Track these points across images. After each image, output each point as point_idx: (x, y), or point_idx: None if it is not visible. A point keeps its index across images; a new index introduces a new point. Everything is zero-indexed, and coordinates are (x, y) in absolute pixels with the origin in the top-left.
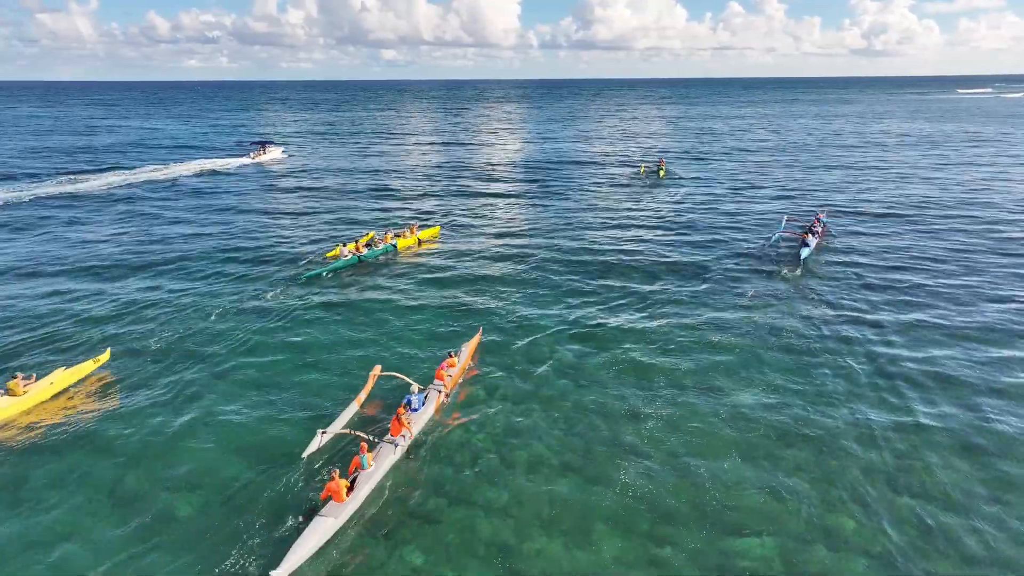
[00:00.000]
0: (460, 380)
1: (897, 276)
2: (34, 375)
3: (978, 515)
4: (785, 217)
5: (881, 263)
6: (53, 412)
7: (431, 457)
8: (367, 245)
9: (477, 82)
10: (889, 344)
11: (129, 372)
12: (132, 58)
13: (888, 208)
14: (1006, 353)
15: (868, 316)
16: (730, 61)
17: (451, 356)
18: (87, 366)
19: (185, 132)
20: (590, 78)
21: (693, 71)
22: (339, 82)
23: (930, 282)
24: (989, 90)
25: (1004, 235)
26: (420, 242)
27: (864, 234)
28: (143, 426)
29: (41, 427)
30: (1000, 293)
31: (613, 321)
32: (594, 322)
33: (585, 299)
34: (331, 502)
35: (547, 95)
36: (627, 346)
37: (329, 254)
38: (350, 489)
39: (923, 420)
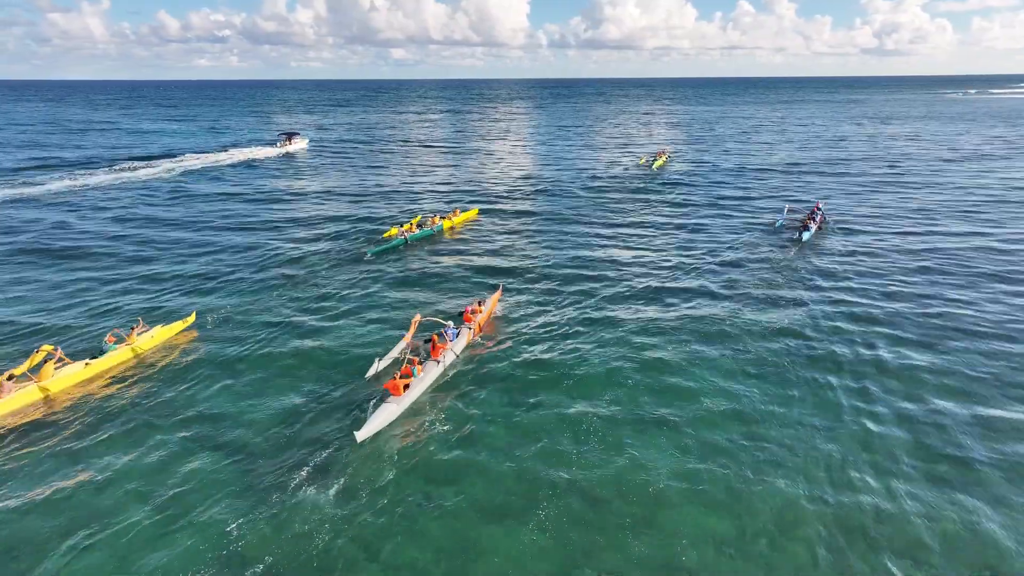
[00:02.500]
0: (485, 323)
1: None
2: (142, 319)
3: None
4: (787, 207)
5: (882, 263)
6: (158, 358)
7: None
8: (419, 226)
9: (486, 82)
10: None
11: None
12: (143, 57)
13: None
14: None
15: (868, 319)
16: (739, 61)
17: (478, 305)
18: (178, 325)
19: (205, 128)
20: (599, 77)
21: (702, 71)
22: (348, 81)
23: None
24: None
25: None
26: (456, 225)
27: (874, 236)
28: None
29: (153, 368)
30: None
31: (604, 318)
32: (585, 318)
33: (577, 298)
34: (391, 395)
35: (555, 95)
36: (610, 349)
37: (386, 234)
38: (406, 387)
39: (905, 460)
